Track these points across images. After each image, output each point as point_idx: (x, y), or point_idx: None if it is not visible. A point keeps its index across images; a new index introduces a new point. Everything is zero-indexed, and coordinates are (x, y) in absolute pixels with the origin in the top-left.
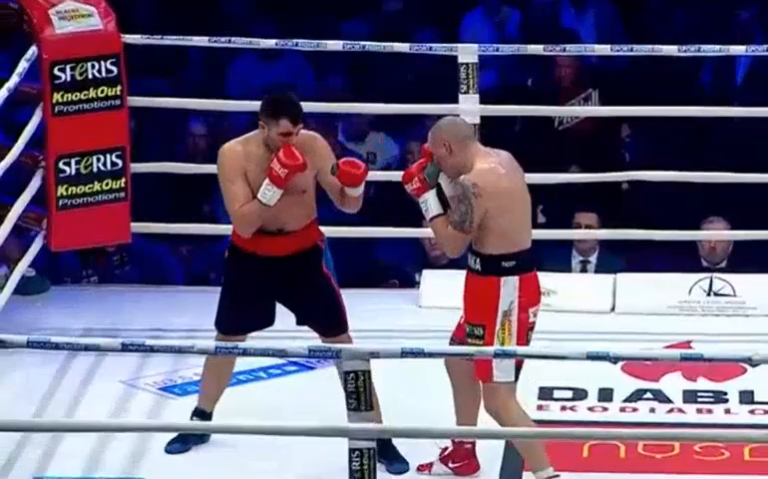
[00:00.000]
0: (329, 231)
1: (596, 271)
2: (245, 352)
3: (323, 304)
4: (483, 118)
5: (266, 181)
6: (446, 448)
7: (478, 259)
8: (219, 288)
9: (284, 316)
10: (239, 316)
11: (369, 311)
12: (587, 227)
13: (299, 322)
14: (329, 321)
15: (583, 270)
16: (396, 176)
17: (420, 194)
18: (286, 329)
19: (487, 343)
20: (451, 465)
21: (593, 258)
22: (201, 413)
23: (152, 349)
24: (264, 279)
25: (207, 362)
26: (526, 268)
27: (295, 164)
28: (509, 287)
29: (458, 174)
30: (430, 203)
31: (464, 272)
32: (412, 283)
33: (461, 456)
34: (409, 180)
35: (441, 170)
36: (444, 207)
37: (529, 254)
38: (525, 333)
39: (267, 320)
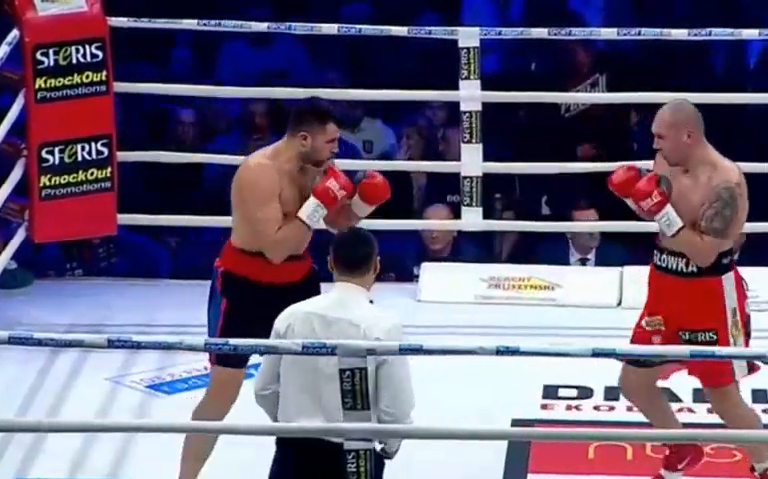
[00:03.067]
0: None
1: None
2: (237, 349)
3: None
4: (484, 105)
5: (315, 200)
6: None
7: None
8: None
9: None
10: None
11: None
12: None
13: None
14: None
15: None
16: (393, 165)
17: (661, 209)
18: None
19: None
20: (680, 467)
21: (592, 257)
22: None
23: (138, 346)
24: (267, 308)
25: (189, 451)
26: (733, 261)
27: (350, 186)
28: (730, 284)
29: (679, 164)
30: (673, 215)
31: (461, 266)
32: (410, 277)
33: (685, 452)
34: (646, 196)
35: (667, 157)
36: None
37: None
38: (747, 328)
39: None
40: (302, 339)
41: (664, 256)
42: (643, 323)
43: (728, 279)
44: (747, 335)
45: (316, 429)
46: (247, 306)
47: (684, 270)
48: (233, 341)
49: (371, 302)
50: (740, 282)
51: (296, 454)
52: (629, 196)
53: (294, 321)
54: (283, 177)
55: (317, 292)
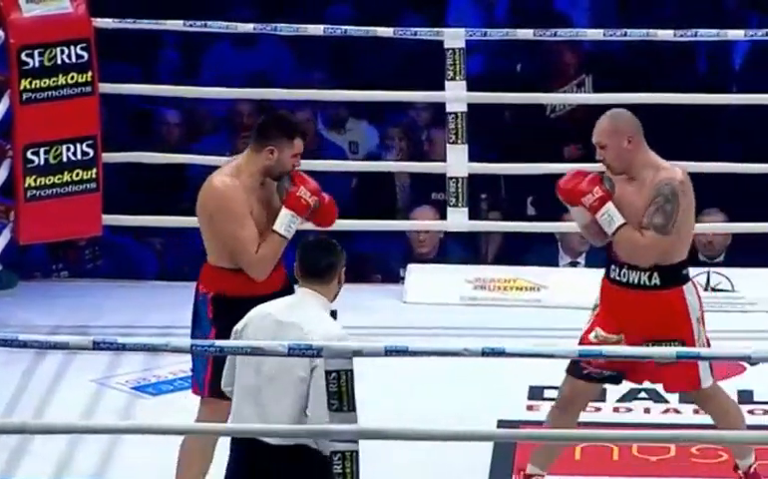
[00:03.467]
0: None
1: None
2: (222, 351)
3: None
4: (470, 106)
5: (288, 212)
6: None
7: (656, 273)
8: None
9: None
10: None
11: (351, 307)
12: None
13: None
14: None
15: None
16: (378, 166)
17: (602, 205)
18: None
19: (690, 362)
20: None
21: (582, 260)
22: None
23: (124, 347)
24: None
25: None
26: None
27: (318, 189)
28: (691, 293)
29: (624, 173)
30: (613, 212)
31: (447, 267)
32: (396, 278)
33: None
34: (584, 194)
35: (610, 167)
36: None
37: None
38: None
39: None
40: (254, 338)
41: (624, 271)
42: (591, 337)
43: (689, 289)
44: (707, 342)
45: (296, 431)
46: (231, 323)
47: (647, 283)
48: (219, 342)
49: (333, 312)
50: (696, 289)
51: (244, 453)
52: (572, 198)
53: (251, 320)
54: (251, 194)
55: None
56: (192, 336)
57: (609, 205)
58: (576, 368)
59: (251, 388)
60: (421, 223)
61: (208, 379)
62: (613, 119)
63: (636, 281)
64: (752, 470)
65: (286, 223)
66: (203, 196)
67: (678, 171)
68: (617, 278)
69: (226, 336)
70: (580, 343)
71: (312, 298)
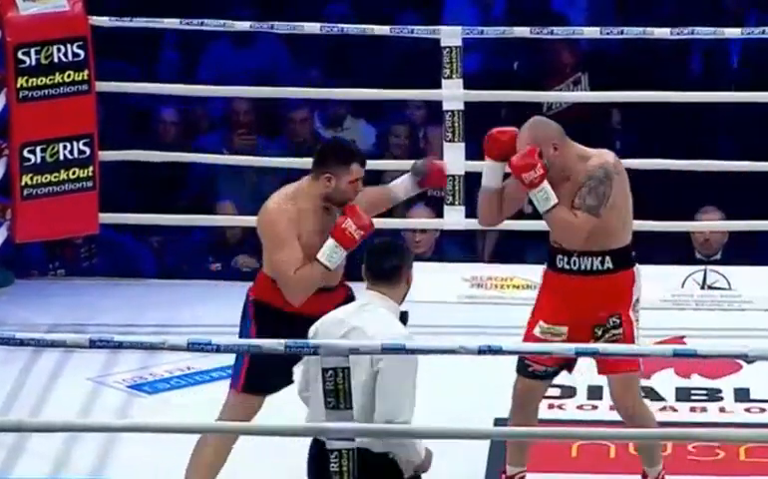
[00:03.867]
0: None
1: None
2: (218, 349)
3: None
4: (467, 104)
5: (333, 242)
6: None
7: (608, 257)
8: (193, 284)
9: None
10: (271, 377)
11: None
12: None
13: None
14: None
15: None
16: (375, 164)
17: (540, 182)
18: None
19: (625, 333)
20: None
21: None
22: None
23: (121, 346)
24: (304, 337)
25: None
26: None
27: (366, 225)
28: (639, 274)
29: (561, 176)
30: (549, 191)
31: (444, 265)
32: None
33: None
34: (529, 168)
35: (549, 178)
36: None
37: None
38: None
39: (286, 384)
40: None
41: (574, 259)
42: (537, 332)
43: (638, 271)
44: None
45: (292, 429)
46: (276, 334)
47: (600, 268)
48: (216, 340)
49: (403, 313)
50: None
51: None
52: (515, 171)
53: (321, 324)
54: (305, 218)
55: None
56: (240, 330)
57: (546, 182)
58: (522, 366)
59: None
60: (418, 221)
61: (243, 375)
62: (533, 130)
63: (589, 268)
64: (660, 477)
65: (329, 253)
66: (259, 214)
67: (610, 154)
68: (567, 267)
69: (266, 336)
70: (525, 340)
71: (379, 301)
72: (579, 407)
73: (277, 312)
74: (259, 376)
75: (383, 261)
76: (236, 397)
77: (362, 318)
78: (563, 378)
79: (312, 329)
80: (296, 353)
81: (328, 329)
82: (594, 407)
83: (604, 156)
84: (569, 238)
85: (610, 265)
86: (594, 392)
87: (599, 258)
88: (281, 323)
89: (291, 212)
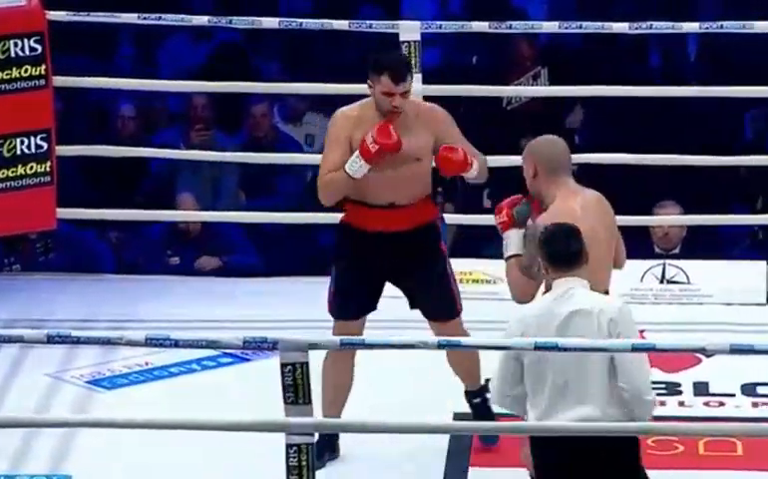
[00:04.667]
0: (266, 217)
1: None
2: (177, 344)
3: (435, 288)
4: (426, 98)
5: (357, 152)
6: None
7: None
8: (151, 279)
9: (221, 304)
10: (355, 299)
11: (309, 300)
12: None
13: (412, 306)
14: (439, 305)
15: None
16: None
17: (505, 229)
18: (224, 319)
19: None
20: None
21: None
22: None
23: (79, 341)
24: (375, 258)
25: (326, 370)
26: None
27: (386, 142)
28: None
29: (539, 200)
30: (512, 240)
31: None
32: None
33: None
34: (498, 212)
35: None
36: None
37: None
38: None
39: (375, 303)
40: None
41: None
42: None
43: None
44: None
45: (251, 424)
46: (351, 253)
47: None
48: (174, 335)
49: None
50: None
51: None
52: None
53: (527, 328)
54: (363, 124)
55: (424, 249)
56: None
57: (510, 232)
58: None
59: (569, 382)
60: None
61: (330, 302)
62: (529, 146)
63: None
64: None
65: (350, 162)
66: None
67: (552, 215)
68: None
69: (347, 252)
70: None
71: (578, 283)
72: None
73: (351, 230)
74: (344, 302)
75: (569, 246)
76: (335, 324)
77: (577, 303)
78: None
79: (521, 327)
80: (376, 276)
81: (545, 330)
82: None
83: (547, 214)
84: (510, 292)
85: None
86: None
87: None
88: (355, 241)
89: (351, 116)
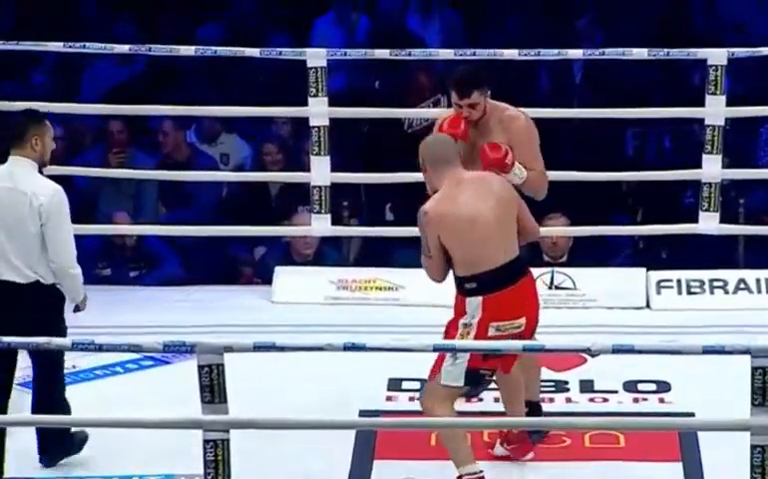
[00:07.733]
0: (186, 230)
1: None
2: (101, 348)
3: None
4: (332, 120)
5: None
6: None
7: (455, 278)
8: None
9: (139, 310)
10: None
11: (223, 307)
12: None
13: None
14: None
15: None
16: (249, 176)
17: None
18: (145, 325)
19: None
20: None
21: None
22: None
23: (9, 346)
24: None
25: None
26: (489, 289)
27: (454, 131)
28: (472, 307)
29: (435, 192)
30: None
31: (312, 269)
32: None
33: (516, 439)
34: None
35: None
36: None
37: (495, 274)
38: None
39: None
40: None
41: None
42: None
43: (471, 302)
44: (485, 357)
45: (170, 422)
46: None
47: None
48: (99, 340)
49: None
50: (500, 308)
51: None
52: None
53: None
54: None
55: None
56: None
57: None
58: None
59: None
60: (288, 229)
61: None
62: (420, 146)
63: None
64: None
65: None
66: None
67: (431, 202)
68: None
69: None
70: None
71: (26, 165)
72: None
73: None
74: None
75: None
76: None
77: (15, 182)
78: (422, 373)
79: None
80: None
81: None
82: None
83: (428, 202)
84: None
85: (456, 284)
86: None
87: (457, 281)
88: None
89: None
